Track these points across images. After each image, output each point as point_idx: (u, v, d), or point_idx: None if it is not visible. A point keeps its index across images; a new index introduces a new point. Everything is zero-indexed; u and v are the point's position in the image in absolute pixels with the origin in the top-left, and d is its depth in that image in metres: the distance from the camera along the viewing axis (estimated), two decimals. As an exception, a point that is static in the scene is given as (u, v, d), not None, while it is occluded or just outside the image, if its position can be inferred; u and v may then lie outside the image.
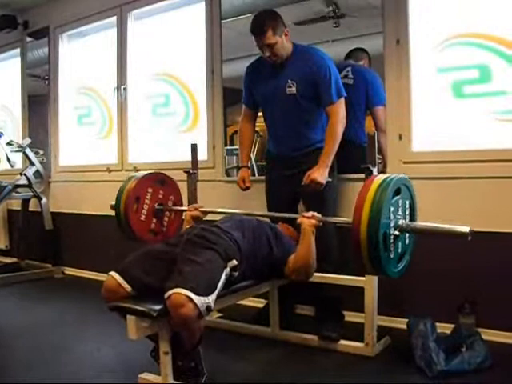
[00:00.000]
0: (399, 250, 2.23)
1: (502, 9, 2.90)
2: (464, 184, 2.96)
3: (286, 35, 2.98)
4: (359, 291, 2.80)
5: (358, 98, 3.31)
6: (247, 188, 3.25)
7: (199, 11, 4.15)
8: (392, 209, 2.14)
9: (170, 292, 2.13)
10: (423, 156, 3.12)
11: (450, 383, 2.38)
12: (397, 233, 2.17)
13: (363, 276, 2.77)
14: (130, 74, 4.69)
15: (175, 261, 2.33)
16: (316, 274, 2.95)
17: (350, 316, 3.18)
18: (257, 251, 2.58)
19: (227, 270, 2.34)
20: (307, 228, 2.54)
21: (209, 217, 3.03)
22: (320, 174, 2.86)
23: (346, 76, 3.35)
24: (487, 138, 2.98)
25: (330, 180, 2.95)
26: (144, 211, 3.11)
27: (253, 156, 3.98)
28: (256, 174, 4.02)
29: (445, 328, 2.80)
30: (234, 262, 2.38)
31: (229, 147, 4.16)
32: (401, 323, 2.98)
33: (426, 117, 3.14)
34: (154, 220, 3.19)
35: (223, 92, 4.04)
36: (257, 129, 3.54)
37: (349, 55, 3.60)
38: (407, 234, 2.28)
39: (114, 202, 3.13)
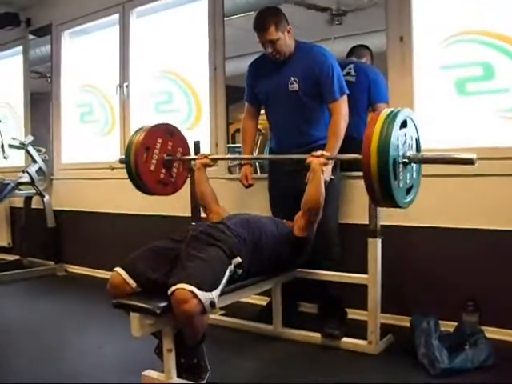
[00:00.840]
0: (407, 181, 2.30)
1: (507, 6, 2.88)
2: (467, 181, 2.95)
3: (288, 32, 2.98)
4: (362, 289, 2.79)
5: (360, 96, 3.30)
6: (250, 185, 3.25)
7: (202, 8, 4.14)
8: (400, 139, 2.19)
9: (173, 288, 2.13)
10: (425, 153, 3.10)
11: (453, 381, 2.37)
12: (406, 161, 2.23)
13: (366, 273, 2.76)
14: (132, 71, 4.68)
15: (180, 256, 2.33)
16: (319, 272, 2.97)
17: (353, 314, 3.18)
18: (262, 246, 2.59)
19: (231, 267, 2.35)
20: (316, 167, 2.62)
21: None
22: (324, 171, 2.86)
23: (348, 73, 3.34)
24: (491, 135, 2.97)
25: (332, 177, 2.95)
26: (154, 161, 3.12)
27: (255, 154, 3.98)
28: (258, 172, 4.01)
29: (448, 326, 2.80)
30: (239, 259, 2.38)
31: (231, 145, 4.16)
32: (404, 321, 2.99)
33: (429, 114, 3.13)
34: (164, 171, 3.20)
35: (226, 90, 4.03)
36: (259, 127, 3.54)
37: (351, 52, 3.59)
38: (414, 168, 2.34)
39: (123, 156, 3.16)
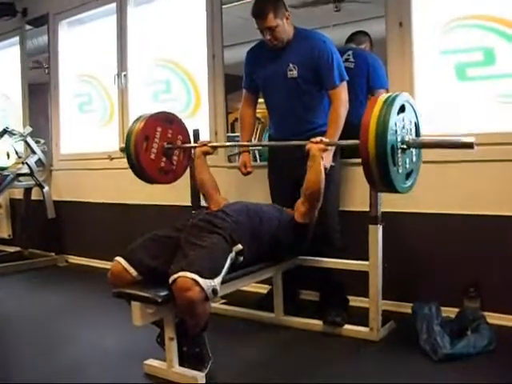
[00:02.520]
0: (407, 166, 2.29)
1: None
2: (468, 167, 2.94)
3: (287, 19, 2.95)
4: (364, 276, 2.79)
5: (359, 82, 3.28)
6: (248, 173, 3.24)
7: (200, -4, 4.11)
8: (398, 124, 2.18)
9: (175, 276, 2.13)
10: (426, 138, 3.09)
11: (455, 367, 2.37)
12: (404, 146, 2.22)
13: (367, 260, 2.76)
14: (130, 60, 4.66)
15: (180, 245, 2.33)
16: (320, 259, 2.97)
17: (355, 301, 3.18)
18: (262, 231, 2.59)
19: (232, 254, 2.36)
20: (316, 153, 2.62)
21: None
22: (324, 158, 2.85)
23: (347, 60, 3.32)
24: (491, 120, 2.96)
25: (333, 164, 2.94)
26: (154, 149, 3.12)
27: (254, 142, 3.96)
28: (258, 160, 4.00)
29: (449, 312, 2.80)
30: (240, 246, 2.39)
31: (230, 134, 4.14)
32: (405, 307, 2.99)
33: (429, 100, 3.12)
34: (164, 159, 3.20)
35: (225, 78, 4.01)
36: (258, 115, 3.52)
37: (350, 39, 3.56)
38: (414, 152, 2.33)
39: (123, 145, 3.15)
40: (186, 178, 3.37)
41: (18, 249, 5.40)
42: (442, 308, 2.72)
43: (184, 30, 4.36)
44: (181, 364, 2.36)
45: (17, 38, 5.71)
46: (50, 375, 2.48)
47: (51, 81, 5.33)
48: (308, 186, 2.65)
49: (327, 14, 3.78)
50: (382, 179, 2.18)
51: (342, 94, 2.95)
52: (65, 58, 5.26)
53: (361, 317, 2.83)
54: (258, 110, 3.41)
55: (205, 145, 3.06)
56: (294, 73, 3.00)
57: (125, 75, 4.65)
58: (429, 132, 3.07)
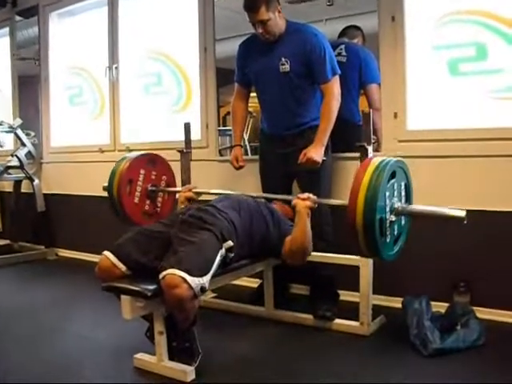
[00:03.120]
0: (395, 233, 2.27)
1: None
2: (459, 162, 2.95)
3: (279, 12, 2.94)
4: (354, 270, 2.79)
5: (351, 76, 3.28)
6: (240, 167, 3.23)
7: (192, -12, 4.08)
8: (388, 193, 2.16)
9: (164, 273, 2.12)
10: (418, 134, 3.09)
11: (445, 361, 2.38)
12: (393, 218, 2.20)
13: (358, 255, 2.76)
14: (121, 53, 4.62)
15: (170, 240, 2.32)
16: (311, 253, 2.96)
17: (346, 295, 3.19)
18: (253, 232, 2.57)
19: (222, 251, 2.34)
20: (302, 210, 2.52)
21: (203, 197, 3.01)
22: (316, 153, 2.85)
23: (339, 54, 3.33)
24: (483, 116, 2.95)
25: (324, 158, 2.94)
26: (137, 193, 3.11)
27: (246, 136, 3.95)
28: (249, 154, 3.99)
29: (440, 307, 2.81)
30: (230, 243, 2.37)
31: (222, 128, 4.13)
32: (396, 302, 2.99)
33: (421, 95, 3.12)
34: (148, 202, 3.18)
35: (216, 72, 3.99)
36: (250, 109, 3.51)
37: (343, 33, 3.57)
38: (403, 216, 2.29)
39: (106, 184, 3.10)
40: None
41: (7, 242, 5.36)
42: (432, 303, 2.72)
43: (176, 22, 4.32)
44: (170, 358, 2.35)
45: (6, 29, 5.64)
46: (38, 369, 2.47)
47: (41, 73, 5.28)
48: (294, 245, 2.55)
49: (320, 8, 3.77)
50: (367, 248, 2.16)
51: (335, 88, 2.94)
52: (55, 50, 5.21)
53: (351, 311, 2.84)
54: (249, 104, 3.40)
55: (189, 190, 3.01)
56: (287, 67, 2.99)
57: (116, 68, 4.61)
58: (420, 127, 3.11)
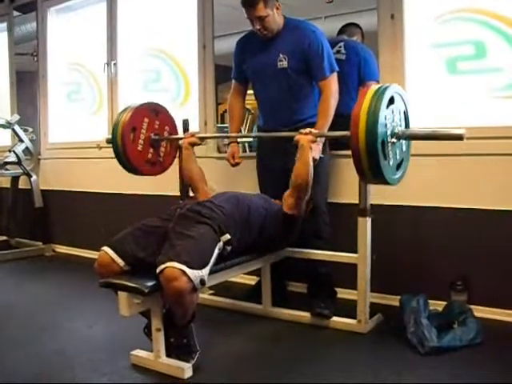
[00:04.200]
0: (397, 157, 2.31)
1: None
2: (457, 161, 2.94)
3: (277, 9, 2.93)
4: (352, 268, 2.79)
5: (350, 74, 3.28)
6: (237, 164, 3.22)
7: (191, -15, 4.07)
8: (388, 117, 2.19)
9: (162, 266, 2.12)
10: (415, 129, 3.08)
11: (442, 359, 2.38)
12: (394, 140, 2.24)
13: (356, 253, 2.76)
14: (120, 49, 4.61)
15: (168, 235, 2.32)
16: (308, 251, 2.96)
17: (343, 293, 3.19)
18: (251, 225, 2.58)
19: (220, 244, 2.35)
20: (304, 144, 2.62)
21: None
22: (314, 149, 2.84)
23: (338, 51, 3.32)
24: (481, 114, 2.95)
25: (322, 156, 2.93)
26: (141, 141, 3.11)
27: (243, 133, 3.95)
28: (247, 151, 3.98)
29: (437, 305, 2.81)
30: (228, 236, 2.38)
31: (220, 125, 4.12)
32: (393, 300, 2.99)
33: (419, 93, 3.11)
34: (151, 150, 3.19)
35: (215, 69, 3.98)
36: (248, 106, 3.51)
37: (342, 31, 3.57)
38: (404, 142, 2.36)
39: (109, 136, 3.12)
40: (175, 168, 3.34)
41: (4, 238, 5.37)
42: (430, 301, 2.73)
43: (175, 19, 4.32)
44: (168, 355, 2.35)
45: (4, 25, 5.62)
46: (34, 366, 2.46)
47: (39, 69, 5.27)
48: (296, 177, 2.65)
49: (319, 5, 3.77)
50: (372, 172, 2.19)
51: (332, 84, 2.94)
52: (54, 45, 5.19)
53: (349, 309, 2.83)
54: (247, 101, 3.39)
55: (193, 135, 3.05)
56: (285, 63, 2.98)
57: (114, 64, 4.60)
58: (419, 124, 3.10)
